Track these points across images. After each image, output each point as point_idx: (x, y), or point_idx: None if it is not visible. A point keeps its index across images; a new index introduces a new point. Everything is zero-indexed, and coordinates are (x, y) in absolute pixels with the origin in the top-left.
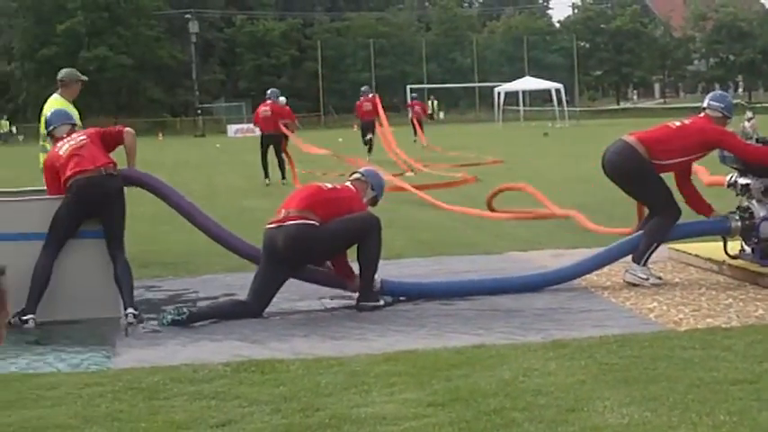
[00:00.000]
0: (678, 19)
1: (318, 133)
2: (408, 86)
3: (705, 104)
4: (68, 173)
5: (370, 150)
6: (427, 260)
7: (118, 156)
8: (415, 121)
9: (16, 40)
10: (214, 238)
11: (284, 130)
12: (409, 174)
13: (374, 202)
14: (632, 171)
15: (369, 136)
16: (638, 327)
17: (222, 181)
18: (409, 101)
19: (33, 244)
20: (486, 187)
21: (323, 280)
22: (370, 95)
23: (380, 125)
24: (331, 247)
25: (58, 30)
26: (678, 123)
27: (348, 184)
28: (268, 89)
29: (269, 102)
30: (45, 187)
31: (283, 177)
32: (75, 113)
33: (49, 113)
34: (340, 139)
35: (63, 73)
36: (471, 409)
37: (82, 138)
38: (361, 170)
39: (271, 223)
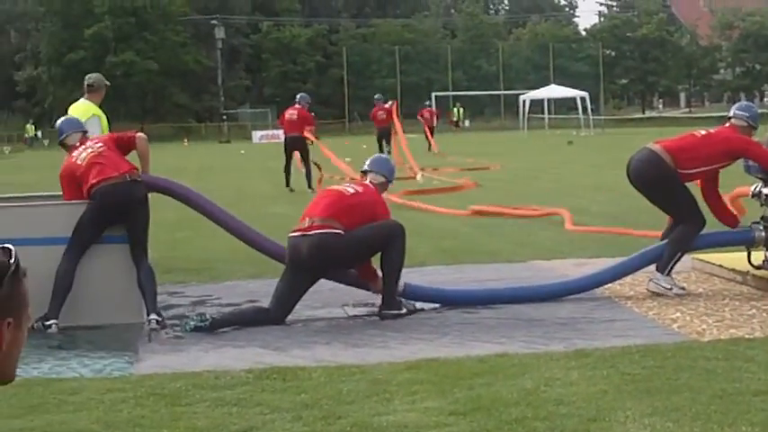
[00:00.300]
0: (704, 28)
1: (343, 140)
2: (433, 94)
3: (731, 114)
4: (92, 180)
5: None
6: (450, 268)
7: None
8: (426, 129)
9: (43, 45)
10: (244, 239)
11: (308, 135)
12: (418, 177)
13: (386, 186)
14: (657, 179)
15: (387, 148)
16: (661, 337)
17: (247, 187)
18: (434, 108)
19: (57, 249)
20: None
21: (347, 280)
22: (384, 104)
23: (395, 133)
24: (355, 255)
25: (86, 34)
26: (703, 132)
27: (367, 181)
28: (295, 95)
29: (297, 106)
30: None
31: (309, 186)
32: (103, 118)
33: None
34: (364, 146)
35: (93, 78)
36: (493, 418)
37: (99, 145)
38: (368, 164)
39: (294, 231)
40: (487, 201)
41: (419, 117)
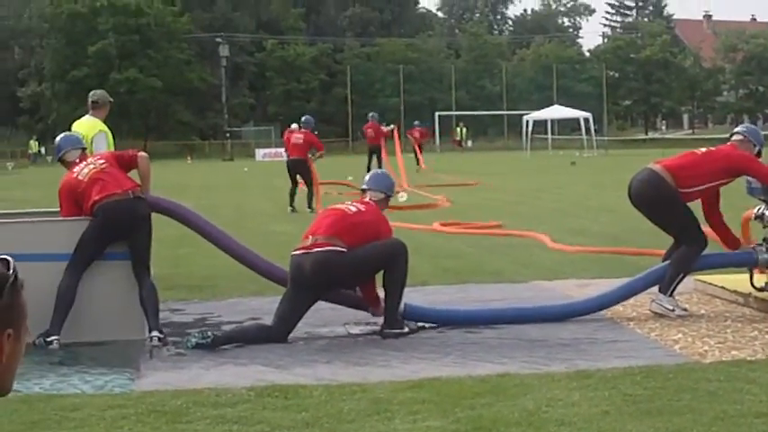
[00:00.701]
0: (708, 50)
1: (347, 159)
2: (437, 113)
3: (733, 132)
4: (95, 197)
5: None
6: (452, 288)
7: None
8: (416, 147)
9: (47, 61)
10: (245, 262)
11: (310, 161)
12: (402, 195)
13: (387, 202)
14: (658, 199)
15: (374, 165)
16: (663, 358)
17: (250, 205)
18: (422, 128)
19: (59, 265)
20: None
21: (347, 302)
22: (379, 123)
23: (386, 152)
24: (358, 274)
25: (90, 51)
26: (704, 150)
27: (367, 199)
28: (300, 114)
29: (303, 130)
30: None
31: (309, 206)
32: (109, 134)
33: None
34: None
35: (97, 94)
36: None
37: (101, 162)
38: (366, 182)
39: (297, 249)
40: (487, 219)
41: (408, 136)
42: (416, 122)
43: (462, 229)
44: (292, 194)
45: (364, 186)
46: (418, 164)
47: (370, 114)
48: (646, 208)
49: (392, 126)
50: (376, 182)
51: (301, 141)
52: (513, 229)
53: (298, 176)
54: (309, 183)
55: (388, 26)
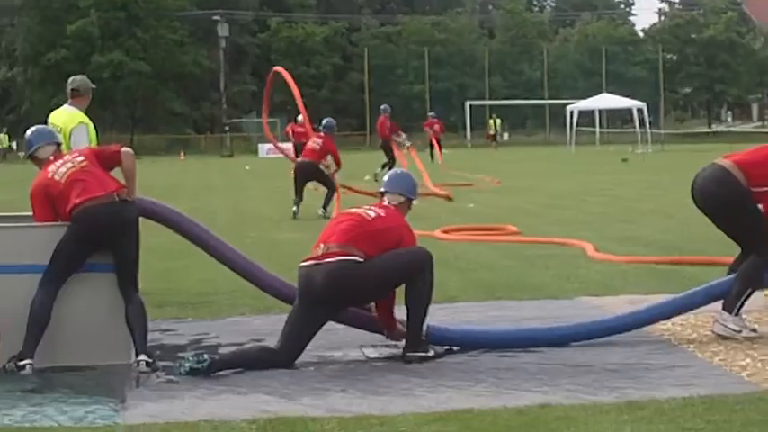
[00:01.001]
0: None
1: (364, 155)
2: (468, 102)
3: None
4: (75, 200)
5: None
6: (484, 305)
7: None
8: (434, 140)
9: (19, 42)
10: (247, 276)
11: (323, 167)
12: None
13: (408, 206)
14: (726, 200)
15: (385, 161)
16: (729, 386)
17: (252, 209)
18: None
19: (32, 278)
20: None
21: (359, 322)
22: (388, 116)
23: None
24: (376, 288)
25: (68, 31)
26: None
27: (386, 203)
28: (310, 106)
29: (322, 134)
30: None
31: (324, 207)
32: (91, 127)
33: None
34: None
35: (77, 81)
36: None
37: (80, 159)
38: (384, 184)
39: (307, 260)
40: (522, 226)
41: (427, 129)
42: (431, 113)
43: (466, 236)
44: (299, 201)
45: (382, 189)
46: (432, 159)
47: (382, 107)
48: (711, 209)
49: (407, 143)
50: (394, 183)
51: (318, 147)
52: (542, 236)
53: (311, 183)
54: (331, 185)
55: (411, 2)
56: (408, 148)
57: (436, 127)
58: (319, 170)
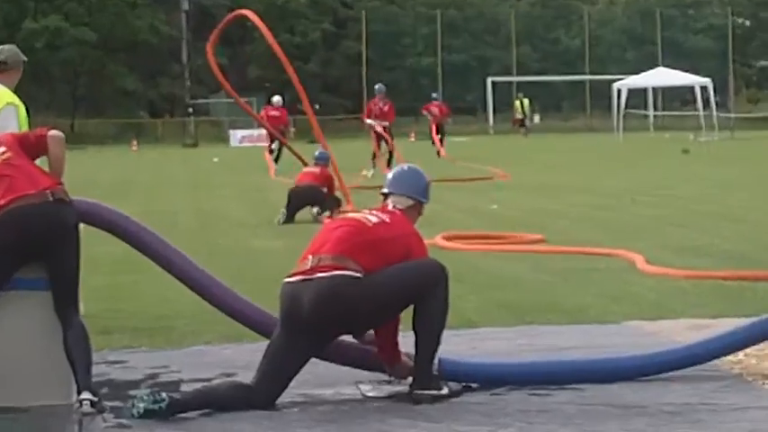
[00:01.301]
0: None
1: (360, 144)
2: (490, 78)
3: None
4: None
5: (389, 164)
6: (511, 330)
7: None
8: (434, 126)
9: None
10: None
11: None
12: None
13: (418, 210)
14: None
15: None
16: None
17: (221, 210)
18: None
19: None
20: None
21: (351, 358)
22: (384, 96)
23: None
24: (378, 310)
25: None
26: None
27: (391, 207)
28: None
29: (319, 166)
30: None
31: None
32: (22, 108)
33: None
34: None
35: (5, 52)
36: None
37: (1, 150)
38: (387, 184)
39: (292, 275)
40: (556, 233)
41: (425, 112)
42: (434, 95)
43: (476, 245)
44: (290, 220)
45: (385, 190)
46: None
47: (376, 87)
48: None
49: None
50: (401, 183)
51: (318, 172)
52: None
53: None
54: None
55: None
56: (377, 132)
57: (435, 110)
58: (318, 195)
